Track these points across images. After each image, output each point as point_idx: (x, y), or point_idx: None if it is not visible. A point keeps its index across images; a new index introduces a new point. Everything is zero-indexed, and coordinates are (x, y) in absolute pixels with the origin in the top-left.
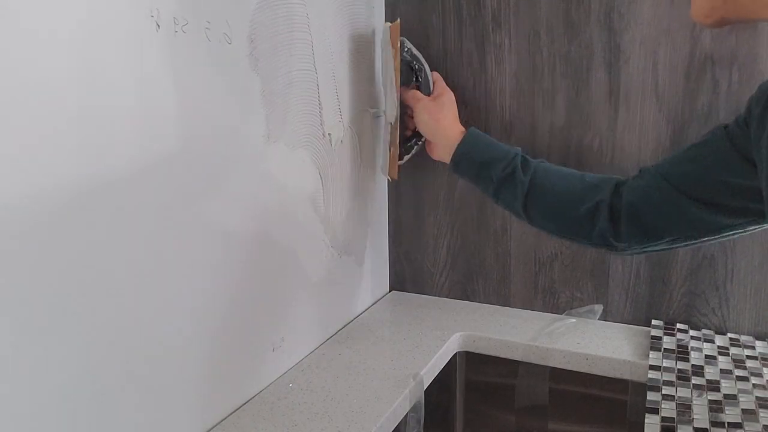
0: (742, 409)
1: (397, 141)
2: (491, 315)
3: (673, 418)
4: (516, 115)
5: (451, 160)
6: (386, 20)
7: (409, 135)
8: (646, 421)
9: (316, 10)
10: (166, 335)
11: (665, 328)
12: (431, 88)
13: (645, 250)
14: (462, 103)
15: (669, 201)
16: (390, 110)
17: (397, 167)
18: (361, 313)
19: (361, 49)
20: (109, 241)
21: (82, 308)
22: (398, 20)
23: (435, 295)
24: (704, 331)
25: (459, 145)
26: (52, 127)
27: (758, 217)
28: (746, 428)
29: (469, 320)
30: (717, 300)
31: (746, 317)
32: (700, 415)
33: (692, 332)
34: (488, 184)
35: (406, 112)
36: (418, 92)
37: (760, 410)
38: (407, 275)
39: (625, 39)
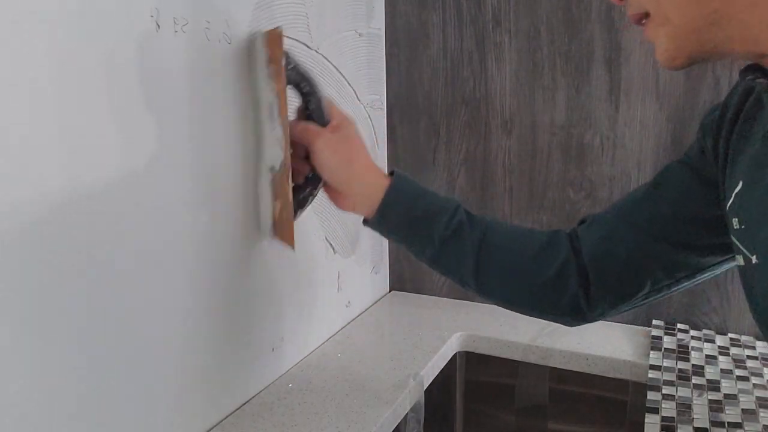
0: (743, 409)
1: (289, 194)
2: (491, 315)
3: (674, 417)
4: (516, 113)
5: (376, 213)
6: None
7: (301, 183)
8: (646, 420)
9: (316, 10)
10: (166, 335)
11: (666, 328)
12: (325, 119)
13: (619, 311)
14: (462, 103)
15: (638, 249)
16: (273, 152)
17: (292, 229)
18: (361, 313)
19: (362, 47)
20: (108, 242)
21: (80, 309)
22: (279, 28)
23: (435, 295)
24: (705, 331)
25: (386, 193)
26: (49, 128)
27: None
28: (746, 428)
29: (469, 320)
30: (718, 299)
31: (747, 317)
32: (701, 414)
33: (693, 332)
34: (426, 244)
35: (294, 154)
36: (312, 125)
37: (761, 410)
38: (407, 275)
39: (626, 37)
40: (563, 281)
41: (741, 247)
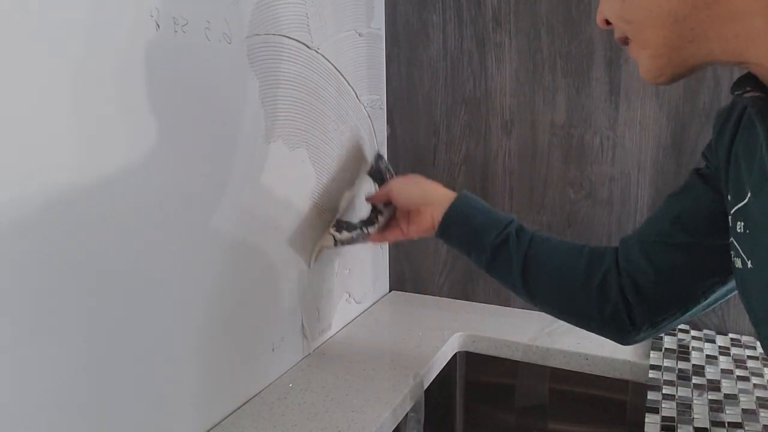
0: (743, 409)
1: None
2: (491, 315)
3: (674, 417)
4: (516, 113)
5: (442, 220)
6: (386, 20)
7: (378, 208)
8: (646, 420)
9: (316, 10)
10: (166, 335)
11: None
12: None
13: (661, 325)
14: (462, 103)
15: (666, 258)
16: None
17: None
18: (362, 313)
19: (362, 47)
20: (108, 242)
21: (81, 310)
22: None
23: (435, 295)
24: (705, 331)
25: (451, 204)
26: (49, 127)
27: (734, 256)
28: (746, 428)
29: (469, 320)
30: None
31: (747, 318)
32: (701, 414)
33: (693, 332)
34: (480, 252)
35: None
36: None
37: (761, 410)
38: (407, 275)
39: None
40: (605, 291)
41: (740, 251)
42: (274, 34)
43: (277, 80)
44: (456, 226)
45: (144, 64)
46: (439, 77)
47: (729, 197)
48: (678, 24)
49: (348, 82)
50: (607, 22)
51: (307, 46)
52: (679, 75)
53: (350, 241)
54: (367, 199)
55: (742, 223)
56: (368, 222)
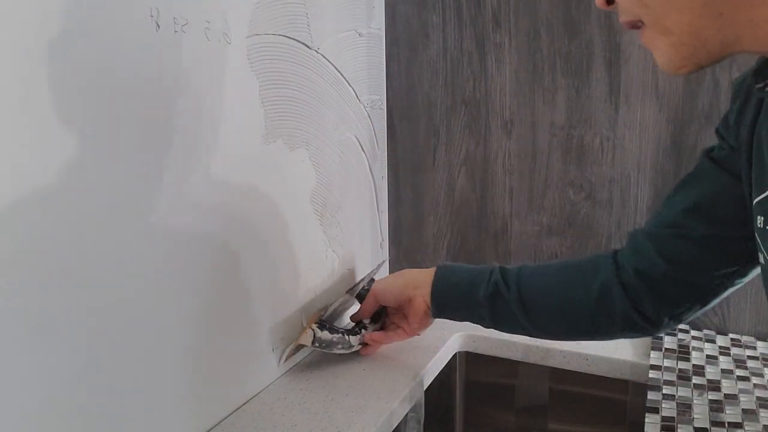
0: (743, 409)
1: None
2: None
3: (674, 417)
4: (516, 114)
5: (432, 297)
6: (386, 22)
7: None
8: (646, 420)
9: (316, 10)
10: (165, 335)
11: None
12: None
13: (682, 317)
14: (462, 103)
15: (676, 250)
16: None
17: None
18: None
19: (362, 47)
20: (106, 239)
21: (75, 309)
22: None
23: None
24: (705, 331)
25: (435, 277)
26: (46, 125)
27: (758, 251)
28: (746, 428)
29: None
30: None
31: (747, 317)
32: (701, 414)
33: (693, 332)
34: (480, 310)
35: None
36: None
37: (761, 410)
38: None
39: (626, 38)
40: (605, 303)
41: (761, 246)
42: (274, 34)
43: (277, 80)
44: (447, 296)
45: (144, 64)
46: (439, 77)
47: (751, 189)
48: (706, 8)
49: (348, 82)
50: (608, 2)
51: (307, 46)
52: (702, 66)
53: (329, 345)
54: (353, 318)
55: (762, 218)
56: (352, 332)
